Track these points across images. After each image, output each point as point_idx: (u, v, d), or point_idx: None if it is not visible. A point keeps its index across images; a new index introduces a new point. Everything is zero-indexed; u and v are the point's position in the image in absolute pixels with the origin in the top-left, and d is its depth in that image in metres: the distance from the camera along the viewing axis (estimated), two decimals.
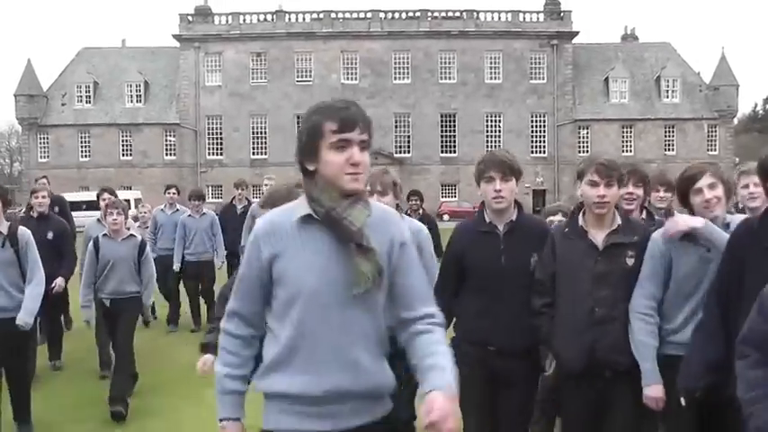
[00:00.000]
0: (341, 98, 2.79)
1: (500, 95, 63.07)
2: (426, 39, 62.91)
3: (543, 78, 63.67)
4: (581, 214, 4.20)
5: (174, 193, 12.37)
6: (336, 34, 62.54)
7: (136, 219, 12.70)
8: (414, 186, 62.73)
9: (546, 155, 63.48)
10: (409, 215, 10.21)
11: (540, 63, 63.77)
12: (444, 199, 61.62)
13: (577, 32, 64.59)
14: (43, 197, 9.31)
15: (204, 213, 11.85)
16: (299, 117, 62.00)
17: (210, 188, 60.37)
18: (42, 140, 62.69)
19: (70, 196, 50.28)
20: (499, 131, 63.10)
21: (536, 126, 63.72)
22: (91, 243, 8.01)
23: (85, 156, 62.46)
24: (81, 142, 62.65)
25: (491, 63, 63.49)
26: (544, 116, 63.56)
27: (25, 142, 63.98)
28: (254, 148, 62.63)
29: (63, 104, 63.05)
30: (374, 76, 62.68)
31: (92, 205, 47.93)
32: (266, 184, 11.81)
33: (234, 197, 12.79)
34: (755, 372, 2.64)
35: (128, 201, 50.21)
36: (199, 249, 11.76)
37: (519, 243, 4.28)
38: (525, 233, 4.32)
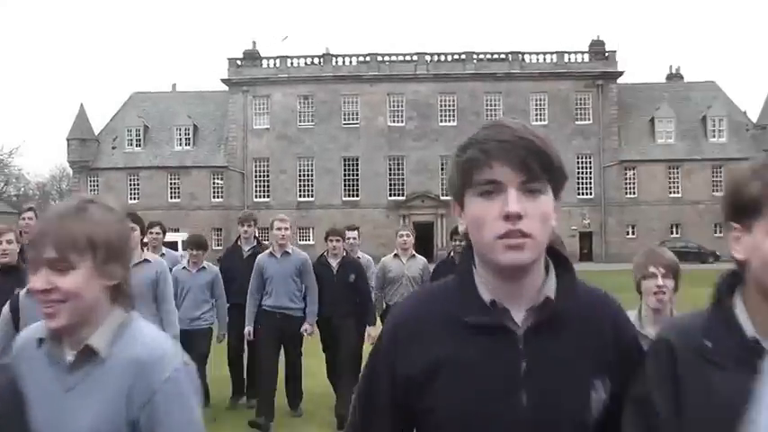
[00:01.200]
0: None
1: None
2: (472, 81, 63.06)
3: (589, 119, 63.46)
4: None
5: (158, 233, 9.57)
6: (383, 77, 62.99)
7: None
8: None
9: (593, 196, 63.06)
10: (452, 257, 9.10)
11: (585, 104, 63.63)
12: None
13: (622, 72, 64.45)
14: (8, 242, 6.11)
15: (204, 268, 9.17)
16: (345, 159, 62.59)
17: (258, 231, 60.74)
18: (92, 183, 63.62)
19: None
20: None
21: (582, 167, 63.38)
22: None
23: (134, 198, 63.14)
24: (130, 184, 63.52)
25: (536, 104, 63.45)
26: (590, 157, 63.24)
27: (75, 185, 64.93)
28: (300, 191, 63.02)
29: (113, 148, 64.05)
30: (420, 118, 62.91)
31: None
32: (279, 229, 8.99)
33: (239, 237, 10.54)
34: None
35: (176, 243, 50.04)
36: (190, 314, 8.76)
37: (560, 355, 1.75)
38: (574, 330, 1.76)
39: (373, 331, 8.83)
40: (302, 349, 9.50)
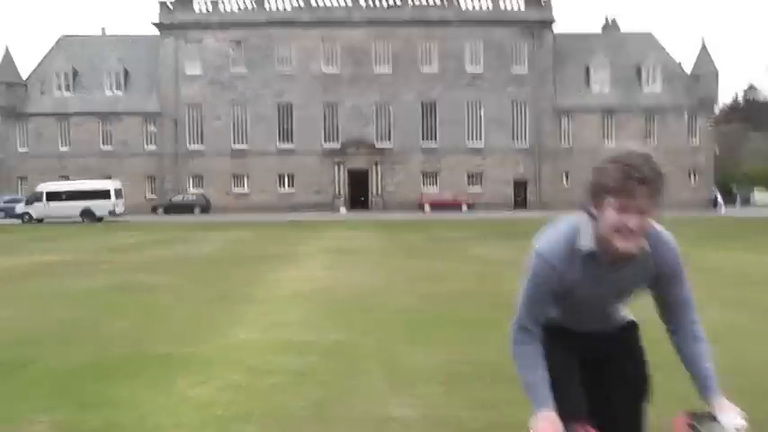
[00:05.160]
0: None
1: (481, 84, 63.02)
2: (407, 27, 62.68)
3: (524, 67, 63.62)
4: None
5: None
6: (317, 22, 62.29)
7: None
8: (395, 176, 61.91)
9: (528, 144, 63.44)
10: None
11: (520, 51, 63.70)
12: (425, 189, 61.66)
13: (557, 21, 64.55)
14: None
15: None
16: (279, 106, 61.98)
17: (191, 178, 60.54)
18: (22, 129, 62.25)
19: (51, 186, 50.33)
20: (480, 120, 63.09)
21: (517, 115, 63.65)
22: None
23: (65, 145, 62.07)
24: (61, 131, 62.27)
25: (472, 51, 63.39)
26: (525, 105, 63.52)
27: (4, 131, 63.47)
28: (235, 138, 62.32)
29: (42, 93, 62.67)
30: (355, 64, 62.45)
31: (72, 195, 47.91)
32: None
33: None
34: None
35: (108, 191, 49.10)
36: None
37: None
38: None
39: None
40: None
